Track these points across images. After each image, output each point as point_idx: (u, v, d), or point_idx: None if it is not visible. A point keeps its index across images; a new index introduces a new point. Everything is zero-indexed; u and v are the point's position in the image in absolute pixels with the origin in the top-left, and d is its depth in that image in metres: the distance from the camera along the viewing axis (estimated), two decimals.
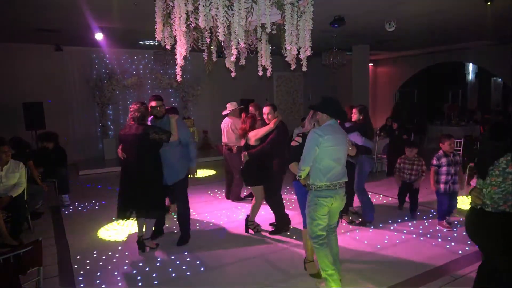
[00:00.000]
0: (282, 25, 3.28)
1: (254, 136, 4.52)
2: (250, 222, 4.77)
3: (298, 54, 3.28)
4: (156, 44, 9.48)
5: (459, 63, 14.43)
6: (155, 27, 3.40)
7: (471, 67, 15.06)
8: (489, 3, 4.89)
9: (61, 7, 5.88)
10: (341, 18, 6.98)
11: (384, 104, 14.67)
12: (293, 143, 3.53)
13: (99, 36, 7.56)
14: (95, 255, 4.17)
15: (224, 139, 6.19)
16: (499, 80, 13.76)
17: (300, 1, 3.17)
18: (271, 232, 4.71)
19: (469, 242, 4.26)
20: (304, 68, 3.18)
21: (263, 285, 3.46)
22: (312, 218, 3.16)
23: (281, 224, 4.73)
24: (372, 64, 14.89)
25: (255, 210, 4.71)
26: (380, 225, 4.94)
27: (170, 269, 3.80)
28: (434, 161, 4.80)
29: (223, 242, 4.54)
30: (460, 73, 15.15)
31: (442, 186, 4.73)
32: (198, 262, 3.95)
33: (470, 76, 15.32)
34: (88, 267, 3.89)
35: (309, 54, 3.23)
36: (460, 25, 8.17)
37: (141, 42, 9.47)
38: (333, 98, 3.38)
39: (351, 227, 4.89)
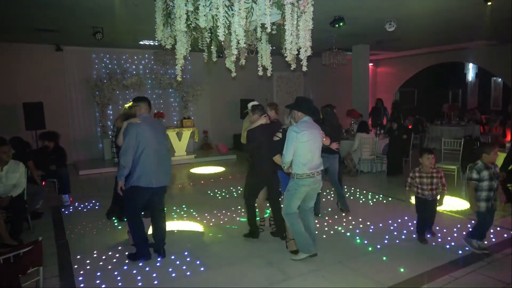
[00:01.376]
0: (282, 25, 3.28)
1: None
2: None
3: (298, 54, 3.29)
4: (156, 44, 9.51)
5: (459, 63, 14.41)
6: (155, 27, 3.41)
7: (471, 67, 15.04)
8: (489, 3, 4.88)
9: (62, 6, 5.89)
10: (341, 18, 6.99)
11: (384, 104, 14.65)
12: (274, 138, 4.13)
13: (98, 36, 7.55)
14: (95, 255, 4.17)
15: None
16: (499, 80, 13.74)
17: (300, 1, 3.18)
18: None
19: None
20: (304, 68, 3.19)
21: (263, 285, 3.46)
22: (290, 200, 3.76)
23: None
24: (372, 64, 14.89)
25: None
26: (380, 225, 4.94)
27: (170, 269, 3.80)
28: (474, 175, 3.98)
29: (223, 242, 4.54)
30: (460, 73, 15.13)
31: (483, 204, 3.95)
32: (198, 262, 3.95)
33: (470, 76, 15.31)
34: (88, 267, 3.89)
35: (309, 54, 3.24)
36: (460, 25, 8.17)
37: (141, 42, 9.47)
38: (306, 97, 4.14)
39: (350, 227, 4.90)
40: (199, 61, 10.63)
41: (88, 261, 4.02)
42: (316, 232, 4.19)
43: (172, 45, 3.51)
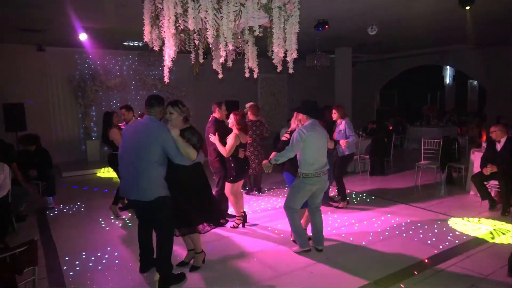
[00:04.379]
0: (269, 28, 3.38)
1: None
2: (238, 217, 4.99)
3: (285, 56, 3.39)
4: (141, 45, 9.47)
5: (437, 66, 14.89)
6: (143, 28, 3.44)
7: (448, 70, 15.55)
8: (468, 7, 5.11)
9: (45, 6, 5.82)
10: (325, 21, 7.15)
11: (365, 105, 14.98)
12: (284, 138, 4.28)
13: (83, 36, 7.48)
14: (84, 257, 4.15)
15: None
16: (475, 83, 14.27)
17: (287, 5, 3.28)
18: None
19: (449, 237, 4.47)
20: (291, 70, 3.30)
21: (254, 283, 3.54)
22: (295, 195, 3.97)
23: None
24: (354, 66, 15.18)
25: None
26: (365, 223, 5.09)
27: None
28: None
29: (210, 242, 4.59)
30: (438, 76, 15.64)
31: None
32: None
33: (448, 79, 15.84)
34: (77, 268, 3.87)
35: (295, 56, 3.35)
36: (439, 30, 8.48)
37: (125, 43, 9.42)
38: (311, 101, 4.20)
39: (336, 225, 5.03)
40: (184, 62, 10.55)
41: (77, 262, 4.01)
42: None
43: (159, 46, 3.55)
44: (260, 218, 5.36)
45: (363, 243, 4.41)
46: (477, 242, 4.37)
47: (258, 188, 6.78)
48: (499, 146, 5.46)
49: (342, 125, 5.69)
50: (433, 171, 7.30)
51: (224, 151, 4.60)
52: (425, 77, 15.18)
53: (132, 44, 9.48)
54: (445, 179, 7.05)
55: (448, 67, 15.05)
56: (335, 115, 5.81)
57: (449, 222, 5.03)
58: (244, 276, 3.67)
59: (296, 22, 3.25)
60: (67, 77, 9.79)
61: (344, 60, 11.19)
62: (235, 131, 4.62)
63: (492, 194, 5.59)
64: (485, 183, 5.54)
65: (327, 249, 4.21)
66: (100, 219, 5.40)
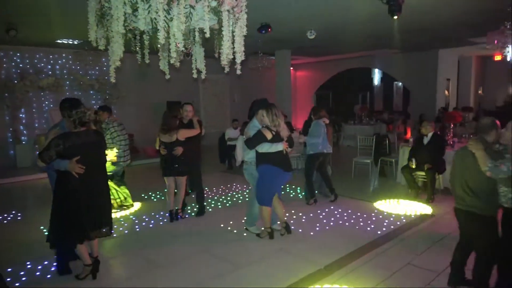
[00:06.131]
0: (218, 30, 3.50)
1: (185, 134, 5.14)
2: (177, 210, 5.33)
3: (234, 58, 3.54)
4: (76, 43, 9.01)
5: (367, 69, 16.06)
6: (86, 26, 3.36)
7: (377, 72, 16.85)
8: (395, 18, 5.69)
9: None
10: (268, 25, 7.45)
11: (304, 105, 15.68)
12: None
13: (12, 32, 6.96)
14: (29, 267, 3.93)
15: None
16: (400, 84, 15.64)
17: (236, 8, 3.44)
18: (197, 215, 5.47)
19: (385, 223, 4.96)
20: (239, 72, 3.44)
21: (213, 276, 3.65)
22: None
23: (203, 206, 5.54)
24: (292, 68, 15.81)
25: (181, 199, 5.36)
26: (311, 214, 5.44)
27: (118, 272, 3.76)
28: None
29: (169, 240, 4.60)
30: (368, 77, 16.87)
31: None
32: (145, 261, 3.98)
33: (376, 81, 17.15)
34: (24, 279, 3.67)
35: (243, 58, 3.52)
36: (370, 35, 9.22)
37: (58, 41, 8.89)
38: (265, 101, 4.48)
39: (285, 218, 5.30)
40: (124, 62, 10.25)
41: (22, 273, 3.79)
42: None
43: (103, 45, 3.49)
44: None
45: (311, 233, 4.72)
46: (409, 225, 4.91)
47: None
48: (426, 141, 6.13)
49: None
50: (368, 166, 7.94)
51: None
52: (356, 79, 16.28)
53: (66, 42, 8.98)
54: (378, 172, 7.72)
55: (376, 69, 16.30)
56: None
57: (384, 210, 5.56)
58: (204, 271, 3.77)
59: (244, 25, 3.42)
60: None
61: (284, 62, 11.65)
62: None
63: (420, 184, 6.27)
64: (413, 174, 6.19)
65: (280, 240, 4.46)
66: (42, 227, 5.10)
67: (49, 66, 9.86)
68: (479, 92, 15.02)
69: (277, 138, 4.29)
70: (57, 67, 10.00)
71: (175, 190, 5.29)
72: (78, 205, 3.38)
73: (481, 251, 3.09)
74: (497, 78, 14.75)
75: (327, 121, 6.05)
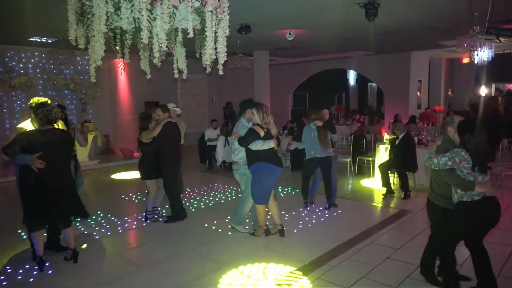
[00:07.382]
0: (202, 30, 3.54)
1: (146, 135, 5.09)
2: (149, 212, 5.32)
3: (216, 58, 3.58)
4: (50, 41, 8.77)
5: (343, 70, 16.41)
6: (67, 25, 3.31)
7: (352, 73, 17.25)
8: (371, 22, 5.89)
9: None
10: (248, 26, 7.51)
11: (282, 106, 15.84)
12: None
13: None
14: (9, 271, 3.83)
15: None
16: (374, 85, 16.09)
17: (218, 9, 3.49)
18: (166, 221, 5.24)
19: (364, 221, 5.12)
20: (221, 72, 3.48)
21: (197, 275, 3.68)
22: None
23: (177, 213, 5.26)
24: (270, 68, 15.93)
25: (152, 201, 5.33)
26: (293, 213, 5.55)
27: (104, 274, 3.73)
28: None
29: (151, 241, 4.59)
30: (343, 78, 17.25)
31: None
32: (130, 264, 3.96)
33: (351, 82, 17.57)
34: (5, 283, 3.58)
35: (225, 59, 3.57)
36: (345, 38, 9.45)
37: (31, 39, 8.62)
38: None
39: (268, 217, 5.38)
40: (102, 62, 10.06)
41: (2, 277, 3.69)
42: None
43: (85, 44, 3.45)
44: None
45: (295, 231, 4.83)
46: (386, 222, 5.10)
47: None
48: (397, 141, 6.37)
49: None
50: (346, 164, 8.14)
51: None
52: (332, 80, 16.60)
53: (40, 40, 8.72)
54: (356, 170, 7.95)
55: (351, 71, 16.69)
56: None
57: (363, 206, 5.75)
58: (187, 270, 3.79)
59: (226, 26, 3.47)
60: None
61: (262, 63, 11.74)
62: None
63: (396, 182, 6.52)
64: (389, 172, 6.43)
65: (264, 239, 4.53)
66: (20, 231, 4.96)
67: (21, 65, 9.54)
68: (449, 93, 15.66)
69: (268, 135, 4.39)
70: (30, 66, 9.69)
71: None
72: (35, 197, 3.61)
73: (436, 239, 3.35)
74: (465, 80, 15.46)
75: (320, 124, 5.60)
